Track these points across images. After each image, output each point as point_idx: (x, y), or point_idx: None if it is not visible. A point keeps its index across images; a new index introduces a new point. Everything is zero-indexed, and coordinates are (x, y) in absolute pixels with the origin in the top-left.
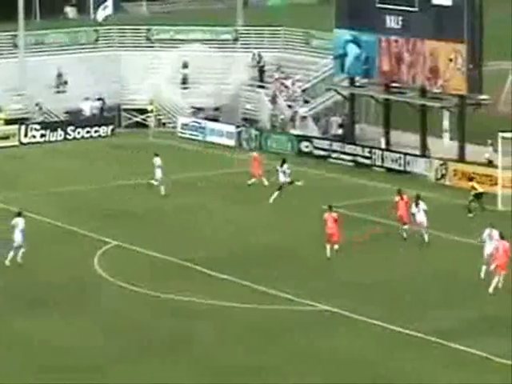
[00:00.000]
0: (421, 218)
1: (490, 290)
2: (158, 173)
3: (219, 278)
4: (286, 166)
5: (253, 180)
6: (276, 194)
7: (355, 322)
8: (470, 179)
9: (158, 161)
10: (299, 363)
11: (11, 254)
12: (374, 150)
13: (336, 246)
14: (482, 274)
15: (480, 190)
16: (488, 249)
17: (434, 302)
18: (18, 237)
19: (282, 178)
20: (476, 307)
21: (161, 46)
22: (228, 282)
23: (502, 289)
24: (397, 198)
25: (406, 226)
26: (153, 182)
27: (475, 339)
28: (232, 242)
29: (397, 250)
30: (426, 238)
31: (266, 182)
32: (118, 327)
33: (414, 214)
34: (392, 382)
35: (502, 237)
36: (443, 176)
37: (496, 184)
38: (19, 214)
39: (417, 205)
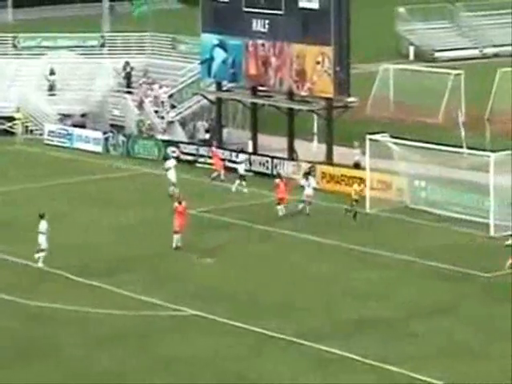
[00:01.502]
0: (309, 191)
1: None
2: (172, 175)
3: (87, 284)
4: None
5: (215, 173)
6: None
7: (220, 326)
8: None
9: (169, 163)
10: (165, 367)
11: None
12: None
13: (177, 236)
14: None
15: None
16: None
17: (299, 303)
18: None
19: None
20: (340, 309)
21: (28, 54)
22: (95, 288)
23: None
24: (277, 181)
25: (280, 206)
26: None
27: (340, 340)
28: (99, 249)
29: (259, 252)
30: (308, 210)
31: (222, 177)
32: None
33: (303, 187)
34: (255, 383)
35: None
36: None
37: (364, 186)
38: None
39: (307, 179)
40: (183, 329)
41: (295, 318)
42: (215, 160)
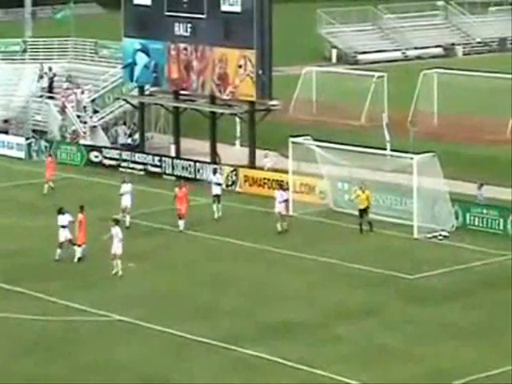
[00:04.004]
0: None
1: None
2: (127, 201)
3: (7, 289)
4: (218, 175)
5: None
6: (215, 207)
7: (145, 330)
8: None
9: (125, 188)
10: (89, 372)
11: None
12: (164, 159)
13: (76, 247)
14: None
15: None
16: None
17: (223, 307)
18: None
19: (216, 190)
20: (264, 312)
21: None
22: (17, 294)
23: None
24: (176, 190)
25: (181, 221)
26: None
27: (264, 343)
28: (21, 254)
29: (183, 257)
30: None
31: (52, 185)
32: None
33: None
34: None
35: None
36: (234, 183)
37: (287, 189)
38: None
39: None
40: (108, 334)
41: (219, 321)
42: (48, 170)
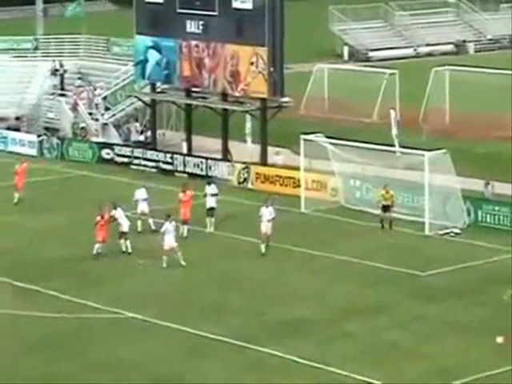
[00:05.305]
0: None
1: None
2: (144, 207)
3: (25, 288)
4: (213, 186)
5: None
6: (208, 220)
7: (157, 328)
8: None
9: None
10: (100, 369)
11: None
12: (175, 156)
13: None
14: None
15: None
16: None
17: (235, 305)
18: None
19: (211, 202)
20: (276, 310)
21: None
22: (34, 292)
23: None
24: (181, 195)
25: (186, 226)
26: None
27: (276, 341)
28: (31, 252)
29: (195, 255)
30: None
31: (15, 199)
32: None
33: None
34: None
35: None
36: (245, 180)
37: (299, 186)
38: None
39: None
40: (121, 332)
41: (231, 319)
42: (19, 178)
